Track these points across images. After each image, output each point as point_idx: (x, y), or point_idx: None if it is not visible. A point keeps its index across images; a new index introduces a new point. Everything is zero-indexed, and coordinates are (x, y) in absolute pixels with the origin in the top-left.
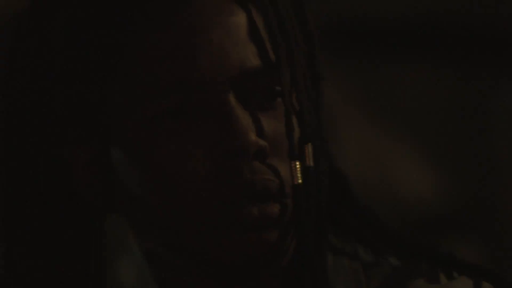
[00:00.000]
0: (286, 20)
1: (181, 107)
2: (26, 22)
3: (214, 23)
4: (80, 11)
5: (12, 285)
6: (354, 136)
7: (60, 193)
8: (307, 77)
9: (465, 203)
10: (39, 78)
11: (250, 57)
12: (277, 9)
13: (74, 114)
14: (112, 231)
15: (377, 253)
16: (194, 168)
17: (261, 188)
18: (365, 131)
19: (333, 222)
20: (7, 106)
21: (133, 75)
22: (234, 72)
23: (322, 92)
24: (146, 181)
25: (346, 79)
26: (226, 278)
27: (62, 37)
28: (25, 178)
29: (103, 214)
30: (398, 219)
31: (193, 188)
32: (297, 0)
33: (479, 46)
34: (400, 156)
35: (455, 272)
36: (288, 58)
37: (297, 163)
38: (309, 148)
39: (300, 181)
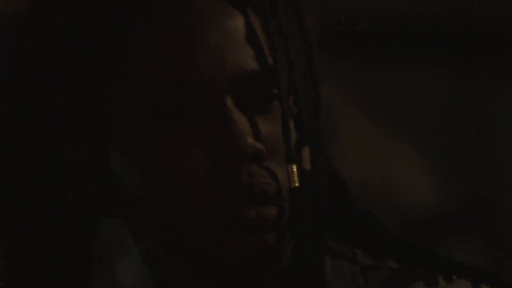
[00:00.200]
0: (284, 24)
1: (181, 107)
2: (26, 22)
3: (213, 25)
4: (80, 11)
5: (12, 285)
6: (354, 136)
7: (60, 193)
8: (306, 80)
9: (465, 203)
10: (39, 78)
11: (248, 60)
12: (275, 12)
13: (74, 114)
14: (112, 232)
15: (376, 257)
16: (194, 168)
17: (259, 191)
18: (365, 131)
19: (331, 225)
20: (7, 106)
21: (133, 75)
22: (232, 75)
23: (320, 95)
24: (146, 181)
25: (346, 79)
26: (226, 278)
27: (62, 37)
28: (25, 178)
29: (102, 215)
30: (398, 219)
31: (193, 188)
32: (296, 3)
33: (479, 46)
34: (400, 156)
35: (454, 275)
36: (286, 61)
37: (294, 166)
38: (306, 151)
39: (297, 184)
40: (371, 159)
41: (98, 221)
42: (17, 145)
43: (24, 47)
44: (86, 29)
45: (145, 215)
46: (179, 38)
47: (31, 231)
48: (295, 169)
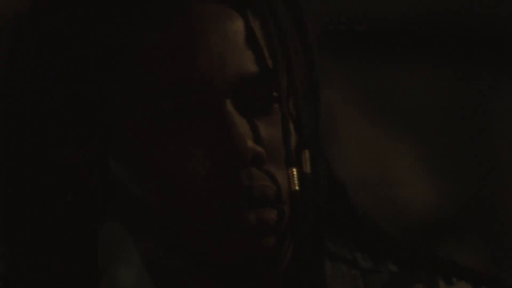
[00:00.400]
0: (284, 26)
1: (181, 107)
2: (26, 22)
3: (213, 25)
4: (80, 11)
5: (12, 285)
6: (354, 136)
7: (60, 193)
8: (306, 83)
9: (465, 203)
10: (39, 78)
11: (248, 63)
12: (275, 15)
13: (74, 114)
14: (112, 232)
15: (376, 260)
16: (194, 168)
17: (259, 194)
18: (365, 131)
19: (331, 229)
20: (7, 106)
21: (133, 75)
22: (232, 78)
23: (320, 97)
24: (146, 181)
25: (346, 79)
26: (226, 278)
27: (62, 37)
28: (25, 178)
29: (101, 215)
30: (397, 219)
31: (193, 188)
32: (296, 6)
33: (479, 46)
34: (400, 156)
35: (454, 278)
36: (285, 64)
37: (294, 169)
38: (306, 155)
39: (297, 187)
40: (371, 159)
41: (99, 221)
42: (17, 145)
43: (24, 47)
44: (86, 29)
45: (145, 215)
46: (179, 38)
47: (31, 231)
48: (295, 172)
